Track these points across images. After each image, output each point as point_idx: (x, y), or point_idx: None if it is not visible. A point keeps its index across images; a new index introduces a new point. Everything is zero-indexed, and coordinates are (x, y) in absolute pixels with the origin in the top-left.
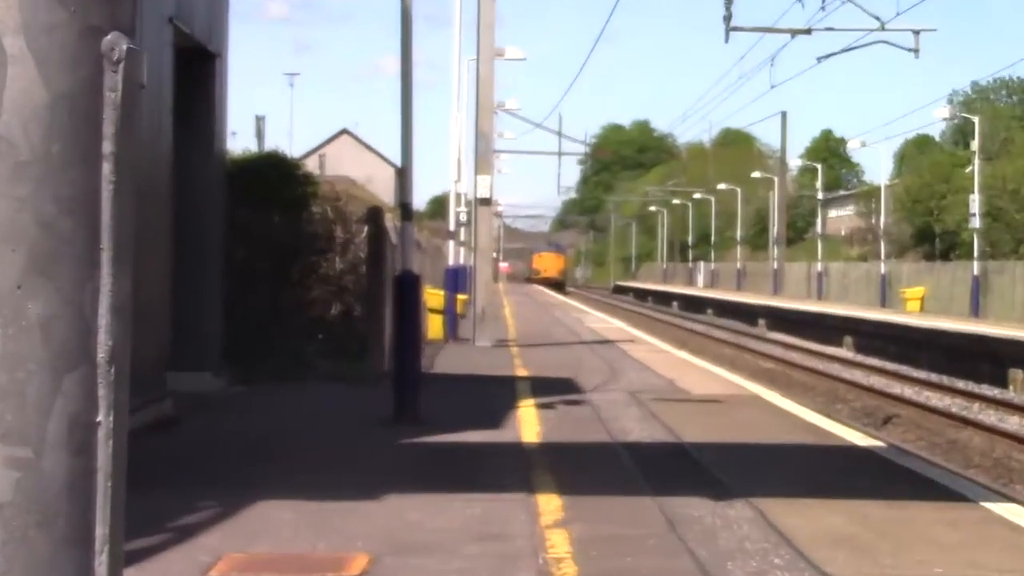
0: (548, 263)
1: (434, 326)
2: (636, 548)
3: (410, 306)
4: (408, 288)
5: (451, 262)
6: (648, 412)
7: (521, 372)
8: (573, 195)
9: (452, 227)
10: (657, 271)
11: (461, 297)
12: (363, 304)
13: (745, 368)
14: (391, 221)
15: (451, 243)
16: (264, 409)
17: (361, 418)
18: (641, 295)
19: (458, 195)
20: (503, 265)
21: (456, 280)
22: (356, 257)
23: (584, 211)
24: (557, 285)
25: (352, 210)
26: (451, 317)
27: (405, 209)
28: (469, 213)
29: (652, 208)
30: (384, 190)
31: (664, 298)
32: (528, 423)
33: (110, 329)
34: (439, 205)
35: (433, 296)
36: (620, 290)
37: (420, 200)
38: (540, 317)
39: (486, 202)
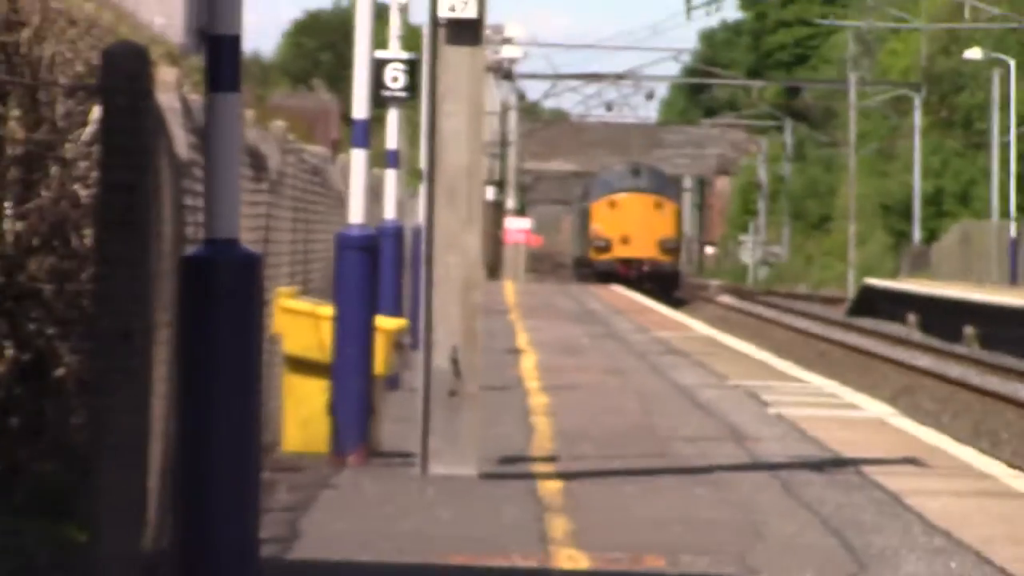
0: (635, 222)
1: (305, 411)
2: None
3: (226, 350)
4: (221, 296)
5: (357, 215)
6: None
7: (568, 563)
8: (724, 22)
9: (359, 112)
10: (989, 248)
11: (387, 324)
12: (83, 342)
13: None
14: (173, 91)
15: (358, 157)
16: None
17: None
18: (940, 319)
19: (377, 4)
20: (516, 226)
21: (369, 270)
22: (66, 200)
23: (760, 66)
24: (661, 279)
25: (57, 55)
26: (351, 384)
27: (217, 53)
28: (412, 68)
29: (970, 56)
30: None
31: (1012, 328)
32: None
33: None
34: (310, 36)
35: (301, 321)
36: (872, 302)
37: (259, 23)
38: (623, 383)
39: (467, 29)
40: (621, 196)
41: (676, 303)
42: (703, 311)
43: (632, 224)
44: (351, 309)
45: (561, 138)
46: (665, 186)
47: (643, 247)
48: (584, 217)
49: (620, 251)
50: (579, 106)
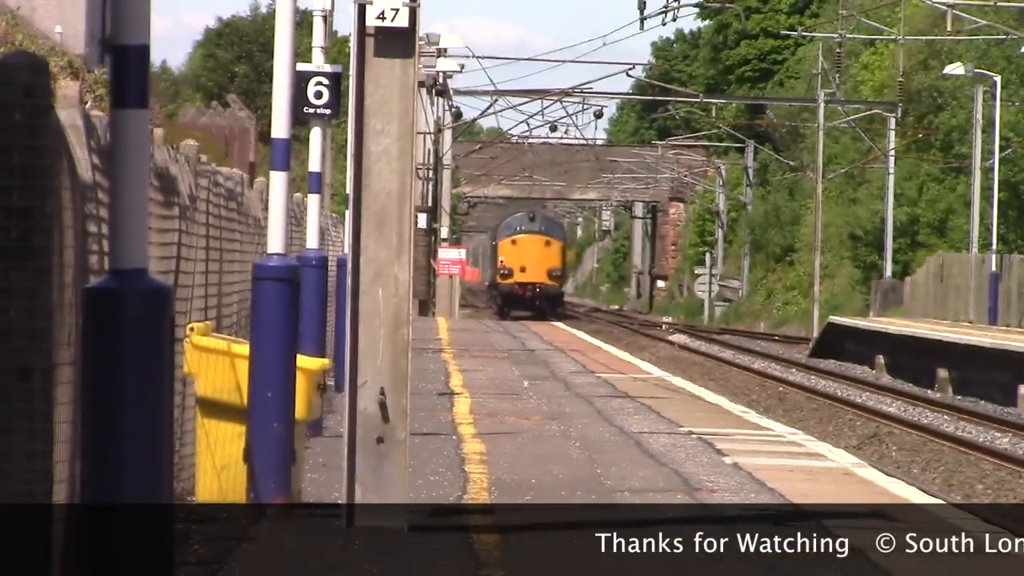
0: (530, 256)
1: (220, 458)
2: None
3: (134, 390)
4: (127, 331)
5: (276, 244)
6: None
7: None
8: (680, 32)
9: (279, 131)
10: (967, 283)
11: (309, 364)
12: None
13: None
14: (75, 107)
15: (277, 181)
16: None
17: None
18: (912, 361)
19: (299, 12)
20: (450, 257)
21: (289, 304)
22: None
23: (720, 81)
24: (548, 299)
25: None
26: (270, 429)
27: (122, 65)
28: (337, 82)
29: (951, 72)
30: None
31: (989, 371)
32: None
33: None
34: (224, 46)
35: (215, 360)
36: (838, 342)
37: (168, 31)
38: (565, 430)
39: (398, 40)
40: (520, 236)
41: (560, 317)
42: (654, 351)
43: (528, 257)
44: (270, 347)
45: (500, 160)
46: (554, 229)
47: (535, 275)
48: (494, 251)
49: (519, 277)
50: (520, 125)
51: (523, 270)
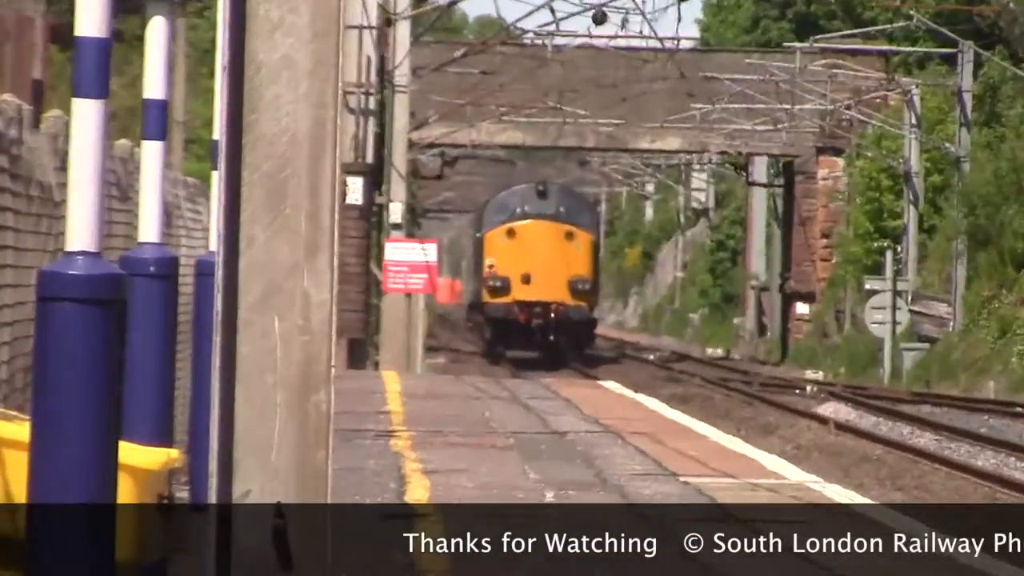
0: (539, 257)
1: None
2: None
3: None
4: None
5: (83, 235)
6: None
7: None
8: None
9: (90, 27)
10: None
11: (142, 458)
12: None
13: None
14: None
15: (86, 116)
16: None
17: None
18: None
19: None
20: (406, 257)
21: (107, 345)
22: None
23: None
24: (569, 329)
25: None
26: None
27: None
28: None
29: None
30: None
31: None
32: None
33: None
34: None
35: None
36: None
37: None
38: None
39: None
40: (523, 224)
41: (588, 361)
42: (790, 434)
43: (535, 259)
44: (68, 426)
45: (501, 79)
46: (579, 211)
47: (548, 288)
48: (479, 248)
49: (520, 292)
50: (537, 15)
51: (527, 280)
